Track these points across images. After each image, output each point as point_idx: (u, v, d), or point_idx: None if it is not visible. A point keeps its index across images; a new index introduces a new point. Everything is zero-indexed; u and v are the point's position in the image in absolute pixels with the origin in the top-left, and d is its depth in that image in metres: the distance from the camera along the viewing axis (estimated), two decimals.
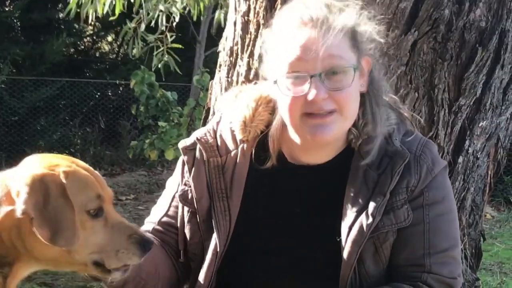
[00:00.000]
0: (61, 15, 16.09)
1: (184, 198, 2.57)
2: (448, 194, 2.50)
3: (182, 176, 2.61)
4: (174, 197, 2.64)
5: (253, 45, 3.14)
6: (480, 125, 3.14)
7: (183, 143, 2.61)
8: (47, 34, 15.13)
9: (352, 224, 2.38)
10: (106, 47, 17.86)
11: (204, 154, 2.55)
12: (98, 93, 15.97)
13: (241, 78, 3.19)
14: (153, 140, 11.04)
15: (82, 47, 17.30)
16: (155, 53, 8.82)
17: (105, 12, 7.24)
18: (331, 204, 2.46)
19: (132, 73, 11.85)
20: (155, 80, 11.55)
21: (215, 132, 2.59)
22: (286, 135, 2.49)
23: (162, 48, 8.78)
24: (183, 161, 2.60)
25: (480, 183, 3.28)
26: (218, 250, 2.48)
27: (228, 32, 3.37)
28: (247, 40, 3.19)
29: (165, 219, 2.64)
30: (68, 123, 15.22)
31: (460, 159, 3.14)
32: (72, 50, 16.82)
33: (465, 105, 3.09)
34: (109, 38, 17.42)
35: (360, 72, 2.41)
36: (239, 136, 2.54)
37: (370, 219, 2.36)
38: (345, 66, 2.33)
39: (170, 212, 2.65)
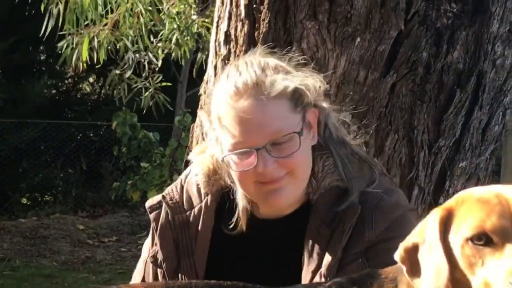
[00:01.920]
0: (42, 57, 16.11)
1: (155, 259, 2.54)
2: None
3: (153, 238, 2.58)
4: (146, 261, 2.60)
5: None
6: (460, 165, 3.16)
7: (149, 201, 2.59)
8: (28, 76, 15.13)
9: (310, 281, 2.33)
10: (88, 88, 17.86)
11: (169, 212, 2.52)
12: (80, 135, 15.94)
13: None
14: (136, 181, 11.02)
15: (64, 88, 17.28)
16: (144, 95, 8.85)
17: (87, 60, 7.26)
18: (291, 258, 2.42)
19: (114, 114, 11.86)
20: (137, 121, 11.56)
21: (182, 187, 2.57)
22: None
23: (150, 90, 8.82)
24: (151, 220, 2.57)
25: None
26: None
27: (208, 76, 3.39)
28: None
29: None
30: (50, 165, 15.16)
31: (441, 200, 3.15)
32: (53, 91, 16.81)
33: (445, 146, 3.11)
34: (91, 79, 17.42)
35: (307, 126, 2.38)
36: (203, 190, 2.51)
37: (323, 278, 2.30)
38: (288, 134, 2.29)
39: (146, 279, 2.60)
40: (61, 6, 7.00)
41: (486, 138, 3.21)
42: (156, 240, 2.53)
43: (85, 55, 7.16)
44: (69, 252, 10.61)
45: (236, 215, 2.48)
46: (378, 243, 2.34)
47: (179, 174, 2.83)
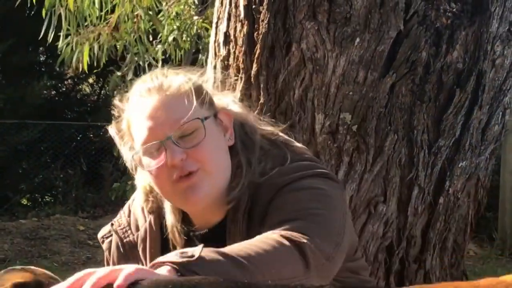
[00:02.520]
0: (42, 58, 16.12)
1: None
2: (311, 193, 2.29)
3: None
4: None
5: (233, 89, 3.16)
6: (459, 165, 3.16)
7: (101, 232, 2.60)
8: (28, 77, 15.12)
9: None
10: (87, 89, 17.85)
11: (118, 238, 2.53)
12: (80, 135, 15.94)
13: None
14: None
15: (63, 89, 17.28)
16: None
17: (94, 63, 7.26)
18: None
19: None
20: None
21: (129, 211, 2.57)
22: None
23: None
24: (104, 251, 2.58)
25: (461, 223, 3.29)
26: None
27: (208, 76, 3.39)
28: (227, 85, 3.21)
29: None
30: (50, 166, 15.15)
31: (441, 200, 3.15)
32: (53, 92, 16.81)
33: (445, 146, 3.11)
34: (90, 80, 17.42)
35: (221, 127, 2.39)
36: (146, 209, 2.50)
37: None
38: (191, 121, 2.30)
39: None
40: (62, 10, 7.00)
41: (486, 138, 3.21)
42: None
43: (86, 59, 7.16)
44: (69, 252, 10.61)
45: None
46: (264, 217, 2.28)
47: None
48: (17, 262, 9.95)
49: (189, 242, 2.45)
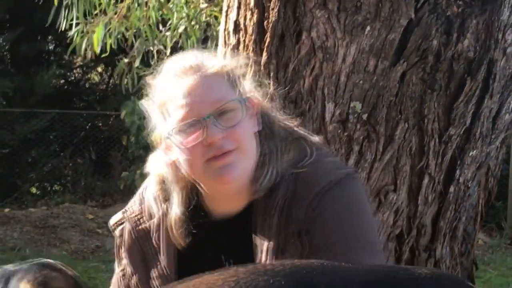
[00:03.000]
0: (51, 47, 16.13)
1: (124, 274, 2.54)
2: (346, 205, 2.35)
3: (117, 254, 2.57)
4: (117, 281, 2.59)
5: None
6: (470, 154, 3.15)
7: (112, 219, 2.59)
8: (37, 66, 15.15)
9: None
10: (96, 78, 17.87)
11: (131, 225, 2.53)
12: (89, 124, 15.96)
13: None
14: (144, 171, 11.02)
15: (72, 78, 17.31)
16: None
17: (98, 50, 7.25)
18: (248, 254, 2.39)
19: (122, 103, 11.87)
20: None
21: (141, 199, 2.56)
22: (200, 190, 2.45)
23: None
24: (115, 238, 2.57)
25: (472, 212, 3.29)
26: None
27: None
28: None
29: None
30: (59, 155, 15.19)
31: (451, 189, 3.15)
32: (62, 81, 16.83)
33: (455, 135, 3.10)
34: (99, 69, 17.43)
35: (249, 112, 2.38)
36: (160, 197, 2.49)
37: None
38: (230, 102, 2.31)
39: None
40: None
41: (497, 127, 3.21)
42: (123, 255, 2.53)
43: (96, 45, 7.15)
44: (78, 241, 10.64)
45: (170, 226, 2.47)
46: (304, 220, 2.30)
47: None
48: (27, 251, 9.99)
49: (211, 228, 2.45)
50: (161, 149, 2.46)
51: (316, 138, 2.55)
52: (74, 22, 7.09)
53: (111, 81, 17.09)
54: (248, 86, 2.45)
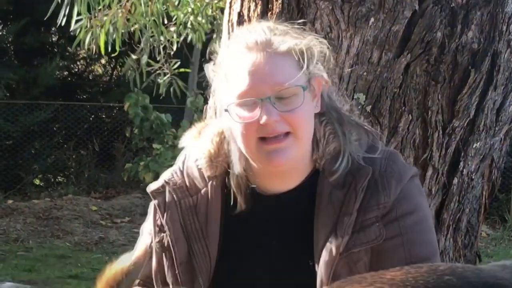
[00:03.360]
0: (54, 38, 16.13)
1: (161, 245, 2.51)
2: (421, 203, 2.46)
3: (155, 223, 2.54)
4: (150, 246, 2.55)
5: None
6: (474, 146, 3.15)
7: (151, 187, 2.57)
8: (40, 57, 15.17)
9: (323, 246, 2.34)
10: (100, 70, 17.89)
11: (174, 196, 2.50)
12: (92, 116, 15.98)
13: None
14: (148, 163, 11.06)
15: (76, 70, 17.33)
16: (161, 80, 8.86)
17: (109, 48, 7.24)
18: (303, 229, 2.42)
19: (126, 95, 11.87)
20: (149, 103, 11.57)
21: (182, 172, 2.54)
22: (250, 166, 2.45)
23: (168, 75, 8.82)
24: (155, 206, 2.54)
25: (475, 204, 3.29)
26: None
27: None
28: None
29: (146, 271, 2.54)
30: (62, 146, 15.22)
31: (455, 181, 3.15)
32: (65, 73, 16.85)
33: (459, 127, 3.10)
34: (103, 61, 17.44)
35: (312, 93, 2.39)
36: (207, 173, 2.49)
37: (339, 240, 2.32)
38: (293, 87, 2.31)
39: (149, 264, 2.55)
40: None
41: (501, 119, 3.20)
42: (164, 224, 2.50)
43: (103, 43, 7.14)
44: (82, 233, 10.67)
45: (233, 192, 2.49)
46: (392, 210, 2.37)
47: None
48: (30, 242, 10.01)
49: (263, 203, 2.47)
50: (218, 116, 2.49)
51: (373, 129, 2.59)
52: (74, 16, 7.06)
53: (114, 73, 17.11)
54: (316, 66, 2.42)
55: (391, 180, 2.38)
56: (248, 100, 2.31)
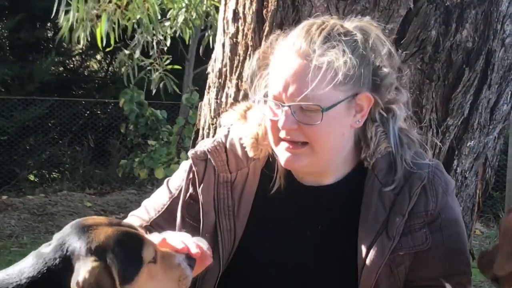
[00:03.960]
0: (49, 34, 16.10)
1: (189, 212, 2.54)
2: (460, 214, 2.53)
3: (188, 186, 2.57)
4: (172, 202, 2.60)
5: (242, 67, 3.15)
6: (468, 144, 3.15)
7: (193, 152, 2.57)
8: (35, 53, 15.15)
9: (371, 244, 2.37)
10: (95, 66, 17.86)
11: (215, 167, 2.53)
12: (87, 112, 15.96)
13: (230, 100, 3.20)
14: (143, 159, 11.04)
15: (71, 65, 17.30)
16: (153, 76, 8.86)
17: (104, 43, 7.24)
18: (343, 224, 2.46)
19: (121, 91, 11.85)
20: (144, 99, 11.56)
21: (224, 146, 2.56)
22: None
23: (159, 71, 8.82)
24: (193, 171, 2.56)
25: (469, 203, 3.29)
26: (220, 266, 2.47)
27: (216, 54, 3.38)
28: (236, 62, 3.20)
29: (158, 220, 2.61)
30: (57, 142, 15.19)
31: None
32: (60, 69, 16.82)
33: (453, 125, 3.10)
34: (98, 57, 17.41)
35: (353, 108, 2.39)
36: (250, 154, 2.52)
37: (391, 240, 2.36)
38: (310, 104, 2.31)
39: (164, 215, 2.61)
40: None
41: (495, 117, 3.20)
42: (199, 193, 2.53)
43: (100, 39, 7.13)
44: None
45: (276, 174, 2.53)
46: (437, 219, 2.43)
47: (187, 151, 2.83)
48: (24, 238, 9.99)
49: (299, 192, 2.52)
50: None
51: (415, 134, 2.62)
52: (62, 8, 7.05)
53: (110, 69, 17.08)
54: (370, 80, 2.41)
55: (438, 189, 2.43)
56: (274, 101, 2.37)
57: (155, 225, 2.60)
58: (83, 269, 1.96)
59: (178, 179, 2.64)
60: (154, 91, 9.15)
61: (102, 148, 15.19)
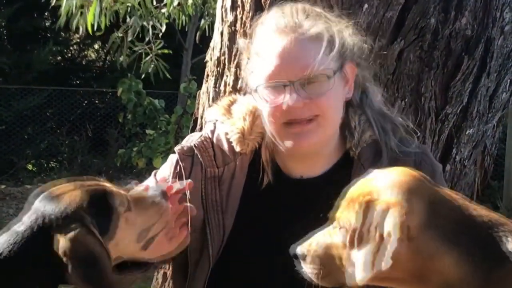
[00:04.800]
0: (47, 23, 16.07)
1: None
2: None
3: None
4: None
5: (240, 55, 3.14)
6: (467, 133, 3.15)
7: (180, 148, 2.56)
8: (33, 42, 15.12)
9: None
10: (93, 55, 17.83)
11: (202, 162, 2.52)
12: (85, 101, 15.95)
13: (229, 88, 3.20)
14: (141, 148, 11.02)
15: (69, 55, 17.27)
16: (143, 60, 8.83)
17: (95, 27, 7.22)
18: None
19: (119, 81, 11.84)
20: (142, 88, 11.54)
21: (211, 141, 2.56)
22: (277, 148, 2.48)
23: (150, 56, 8.80)
24: (179, 166, 2.54)
25: (468, 191, 3.29)
26: (210, 262, 2.46)
27: (215, 42, 3.37)
28: (234, 50, 3.19)
29: None
30: (55, 132, 15.19)
31: (448, 167, 3.15)
32: (58, 58, 16.79)
33: (452, 113, 3.10)
34: (96, 46, 17.38)
35: (343, 79, 2.41)
36: (237, 149, 2.51)
37: None
38: (319, 73, 2.32)
39: None
40: None
41: (494, 106, 3.20)
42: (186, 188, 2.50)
43: (90, 23, 7.12)
44: None
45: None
46: None
47: None
48: None
49: (288, 185, 2.51)
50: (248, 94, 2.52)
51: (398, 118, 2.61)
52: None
53: (107, 58, 17.06)
54: (351, 51, 2.44)
55: (425, 173, 2.39)
56: (275, 83, 2.33)
57: None
58: (66, 238, 1.96)
59: (165, 172, 2.61)
60: (150, 79, 9.11)
61: (100, 138, 15.18)
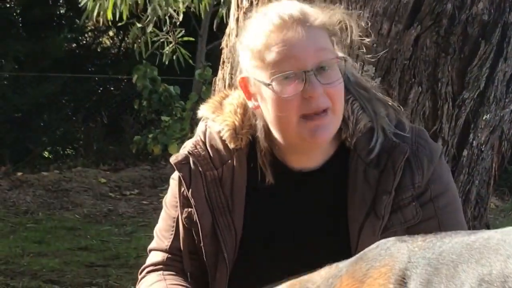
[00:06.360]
0: (62, 10, 16.10)
1: (190, 220, 2.48)
2: (451, 181, 2.49)
3: (181, 196, 2.51)
4: (177, 219, 2.54)
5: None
6: (484, 118, 3.14)
7: (174, 158, 2.52)
8: (48, 30, 15.13)
9: (362, 226, 2.35)
10: (108, 42, 17.84)
11: (199, 167, 2.47)
12: (101, 88, 15.98)
13: None
14: (156, 135, 11.07)
15: (84, 42, 17.29)
16: (165, 49, 8.84)
17: (117, 17, 7.24)
18: (333, 208, 2.43)
19: (134, 67, 11.86)
20: (157, 75, 11.56)
21: (204, 143, 2.51)
22: (275, 142, 2.44)
23: (172, 44, 8.80)
24: (179, 178, 2.50)
25: (485, 176, 3.29)
26: (227, 265, 2.44)
27: (231, 29, 3.37)
28: None
29: (173, 244, 2.55)
30: (71, 119, 15.23)
31: (465, 152, 3.15)
32: (73, 45, 16.81)
33: (469, 99, 3.09)
34: (111, 33, 17.39)
35: (341, 70, 2.39)
36: (231, 145, 2.46)
37: (380, 219, 2.34)
38: (333, 59, 2.31)
39: (177, 237, 2.54)
40: None
41: (511, 90, 3.20)
42: (190, 197, 2.47)
43: (110, 11, 7.14)
44: (91, 205, 10.69)
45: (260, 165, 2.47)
46: (426, 191, 2.39)
47: None
48: (40, 214, 10.04)
49: (289, 179, 2.47)
50: (244, 93, 2.46)
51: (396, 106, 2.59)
52: None
53: (122, 45, 17.07)
54: (339, 41, 2.44)
55: (423, 159, 2.38)
56: (291, 73, 2.28)
57: (174, 250, 2.54)
58: None
59: (172, 196, 2.58)
60: (165, 65, 9.12)
61: (116, 124, 15.20)
